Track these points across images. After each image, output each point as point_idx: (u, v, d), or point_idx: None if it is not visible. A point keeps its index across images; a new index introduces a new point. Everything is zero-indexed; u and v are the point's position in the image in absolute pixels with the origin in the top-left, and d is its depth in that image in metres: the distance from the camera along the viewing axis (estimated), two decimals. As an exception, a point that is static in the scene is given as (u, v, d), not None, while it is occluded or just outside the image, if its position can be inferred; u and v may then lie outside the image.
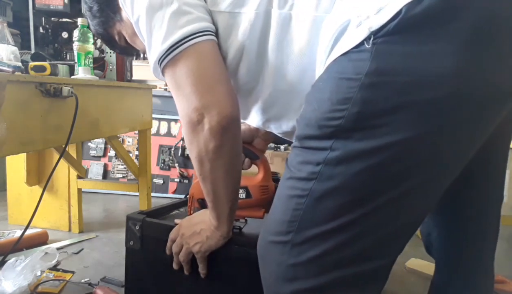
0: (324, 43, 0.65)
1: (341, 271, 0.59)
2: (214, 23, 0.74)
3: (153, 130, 2.77)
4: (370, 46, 0.55)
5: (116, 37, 0.92)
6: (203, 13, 0.73)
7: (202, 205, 1.03)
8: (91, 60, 1.52)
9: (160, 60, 0.71)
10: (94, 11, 0.89)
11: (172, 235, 0.93)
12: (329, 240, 0.59)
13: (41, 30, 1.74)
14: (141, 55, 0.85)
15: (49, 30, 1.77)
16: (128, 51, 0.96)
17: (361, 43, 0.56)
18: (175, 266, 0.94)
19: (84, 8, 0.97)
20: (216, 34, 0.74)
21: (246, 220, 1.02)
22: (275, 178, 1.02)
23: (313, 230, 0.59)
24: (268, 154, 2.64)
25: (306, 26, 0.68)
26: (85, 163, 2.79)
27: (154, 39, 0.71)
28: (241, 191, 0.96)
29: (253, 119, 0.85)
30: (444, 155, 0.57)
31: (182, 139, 2.83)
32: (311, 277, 0.60)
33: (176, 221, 0.99)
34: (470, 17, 0.52)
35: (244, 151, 0.97)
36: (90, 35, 1.52)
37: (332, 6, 0.66)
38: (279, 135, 0.88)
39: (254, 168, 1.01)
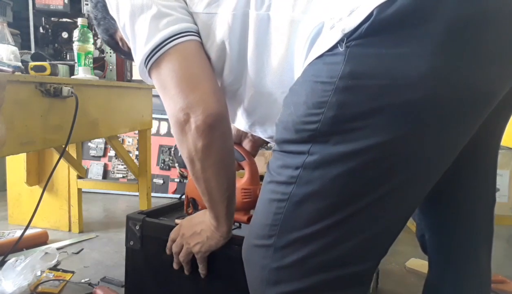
0: (301, 45, 0.64)
1: (325, 274, 0.59)
2: (195, 24, 0.75)
3: (153, 130, 2.77)
4: (343, 49, 0.54)
5: (120, 43, 0.94)
6: (183, 14, 0.73)
7: (194, 204, 1.03)
8: (91, 60, 1.52)
9: (145, 63, 0.72)
10: (98, 18, 0.92)
11: (172, 235, 0.93)
12: (311, 244, 0.58)
13: (41, 30, 1.74)
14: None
15: (49, 30, 1.77)
16: (132, 56, 0.98)
17: (335, 46, 0.55)
18: (175, 266, 0.94)
19: (91, 16, 1.00)
20: (199, 34, 0.75)
21: (239, 224, 1.01)
22: None
23: (294, 234, 0.59)
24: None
25: (284, 28, 0.67)
26: (85, 163, 2.79)
27: (138, 43, 0.73)
28: None
29: (240, 123, 0.85)
30: (423, 158, 0.56)
31: (182, 139, 2.83)
32: (295, 280, 0.60)
33: (177, 221, 0.99)
34: (444, 18, 0.51)
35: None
36: (90, 35, 1.52)
37: (308, 7, 0.65)
38: (267, 140, 0.88)
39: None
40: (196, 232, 0.88)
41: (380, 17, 0.52)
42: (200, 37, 0.74)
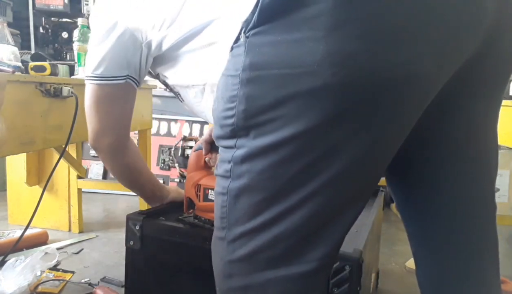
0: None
1: (272, 272, 0.58)
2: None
3: (153, 130, 2.77)
4: (243, 39, 0.53)
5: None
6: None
7: (190, 203, 1.04)
8: (91, 60, 1.52)
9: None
10: None
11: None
12: (255, 238, 0.57)
13: (41, 30, 1.74)
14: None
15: (49, 30, 1.77)
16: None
17: (238, 37, 0.54)
18: None
19: None
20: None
21: None
22: None
23: (240, 228, 0.58)
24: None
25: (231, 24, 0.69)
26: (85, 163, 2.79)
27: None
28: (210, 191, 0.98)
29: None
30: (348, 146, 0.52)
31: (182, 139, 2.84)
32: (245, 275, 0.59)
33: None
34: None
35: (214, 147, 1.02)
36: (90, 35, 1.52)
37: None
38: None
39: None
40: None
41: (264, 3, 0.49)
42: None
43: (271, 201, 0.55)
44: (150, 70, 1.03)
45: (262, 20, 0.50)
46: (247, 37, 0.52)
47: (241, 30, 0.53)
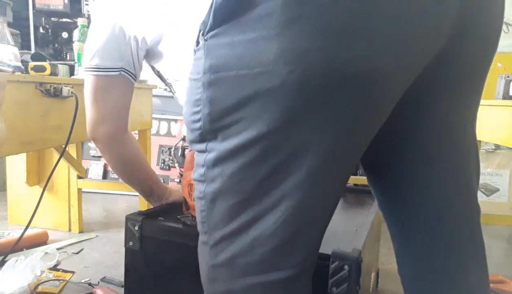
0: None
1: (252, 278, 0.57)
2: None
3: (153, 130, 2.77)
4: (202, 42, 0.52)
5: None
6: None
7: (185, 203, 1.05)
8: (91, 60, 1.52)
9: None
10: None
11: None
12: (234, 243, 0.57)
13: (41, 30, 1.75)
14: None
15: (49, 30, 1.77)
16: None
17: (198, 41, 0.54)
18: None
19: None
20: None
21: None
22: None
23: (219, 232, 0.58)
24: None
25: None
26: (85, 163, 2.78)
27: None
28: None
29: None
30: (314, 145, 0.51)
31: (182, 139, 2.84)
32: (227, 281, 0.59)
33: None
34: None
35: None
36: (90, 35, 1.52)
37: None
38: None
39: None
40: None
41: (217, 4, 0.49)
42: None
43: (245, 204, 0.54)
44: (147, 62, 1.06)
45: (218, 22, 0.50)
46: (205, 40, 0.52)
47: (200, 33, 0.53)
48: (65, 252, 1.74)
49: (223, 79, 0.51)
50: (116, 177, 2.81)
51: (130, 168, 1.15)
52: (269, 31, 0.47)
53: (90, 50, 0.99)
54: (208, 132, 0.54)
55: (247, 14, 0.48)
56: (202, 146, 0.56)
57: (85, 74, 1.01)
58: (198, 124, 0.55)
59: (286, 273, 0.57)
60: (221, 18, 0.50)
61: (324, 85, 0.48)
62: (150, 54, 1.03)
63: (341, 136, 0.52)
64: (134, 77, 1.03)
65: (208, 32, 0.51)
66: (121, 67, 1.00)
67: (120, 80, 1.01)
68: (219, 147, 0.54)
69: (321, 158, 0.52)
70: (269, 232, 0.54)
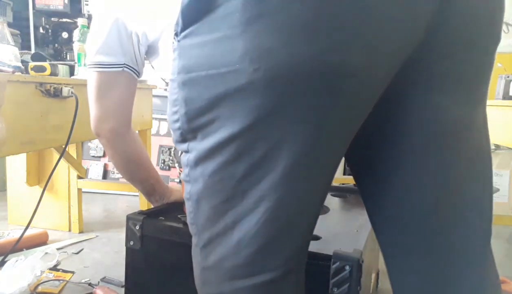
0: None
1: (240, 282, 0.57)
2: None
3: (153, 130, 2.77)
4: (176, 43, 0.53)
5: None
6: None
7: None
8: (91, 60, 1.52)
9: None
10: None
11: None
12: (221, 244, 0.56)
13: (41, 30, 1.74)
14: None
15: (49, 30, 1.77)
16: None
17: (173, 42, 0.54)
18: None
19: None
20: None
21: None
22: None
23: (206, 233, 0.58)
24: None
25: None
26: (85, 163, 2.78)
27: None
28: None
29: None
30: (289, 143, 0.50)
31: (182, 139, 2.84)
32: (217, 283, 0.59)
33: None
34: None
35: None
36: (90, 35, 1.52)
37: None
38: None
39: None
40: None
41: (184, 3, 0.49)
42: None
43: (227, 205, 0.54)
44: (147, 60, 1.08)
45: (187, 22, 0.51)
46: (178, 41, 0.52)
47: (174, 33, 0.53)
48: (65, 252, 1.74)
49: (195, 79, 0.51)
50: (116, 177, 2.82)
51: (133, 165, 1.15)
52: (233, 30, 0.47)
53: (92, 47, 0.99)
54: (187, 132, 0.55)
55: (212, 14, 0.48)
56: (184, 146, 0.57)
57: (88, 71, 1.02)
58: (177, 124, 0.56)
59: (272, 274, 0.56)
60: (190, 19, 0.50)
61: (291, 82, 0.47)
62: (151, 51, 1.03)
63: (314, 135, 0.50)
64: (137, 73, 1.04)
65: (180, 32, 0.52)
66: (124, 63, 1.00)
67: (124, 76, 1.01)
68: (198, 146, 0.54)
69: (296, 157, 0.51)
70: (252, 233, 0.54)
